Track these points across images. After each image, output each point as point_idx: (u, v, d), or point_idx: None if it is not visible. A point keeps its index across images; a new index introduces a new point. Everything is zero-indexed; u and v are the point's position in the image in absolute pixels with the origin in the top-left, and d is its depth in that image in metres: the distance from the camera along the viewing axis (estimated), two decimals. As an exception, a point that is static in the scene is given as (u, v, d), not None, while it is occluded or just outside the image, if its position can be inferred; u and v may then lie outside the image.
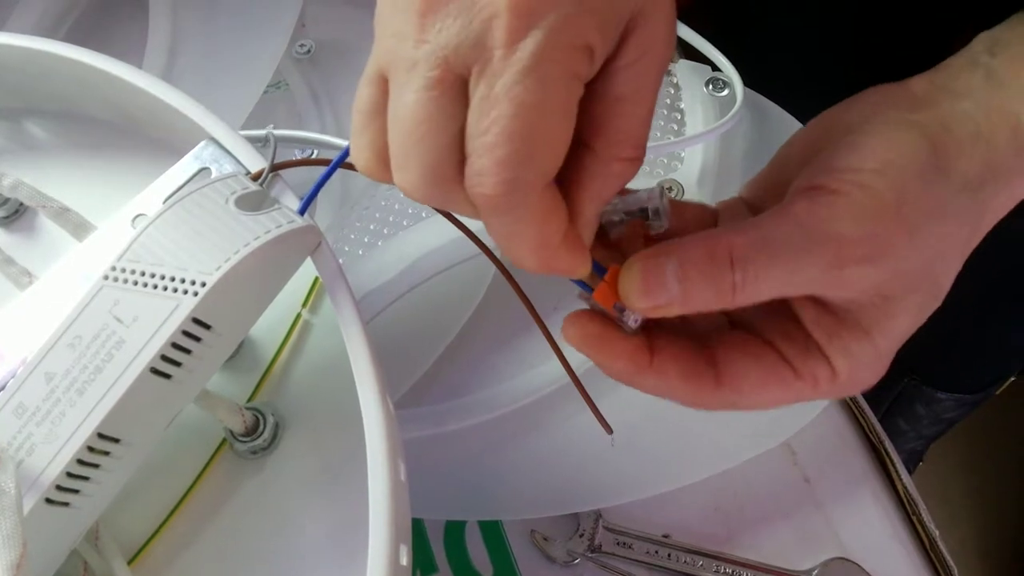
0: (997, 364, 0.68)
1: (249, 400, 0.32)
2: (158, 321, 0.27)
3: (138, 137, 0.38)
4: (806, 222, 0.24)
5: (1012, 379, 0.69)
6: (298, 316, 0.34)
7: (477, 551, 0.39)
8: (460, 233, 0.43)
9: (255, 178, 0.31)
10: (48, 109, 0.40)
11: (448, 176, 0.23)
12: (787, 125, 0.45)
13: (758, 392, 0.26)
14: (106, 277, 0.28)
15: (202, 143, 0.32)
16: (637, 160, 0.25)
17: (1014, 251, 0.51)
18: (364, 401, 0.27)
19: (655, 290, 0.25)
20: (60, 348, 0.27)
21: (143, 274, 0.28)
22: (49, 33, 0.49)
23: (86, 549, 0.29)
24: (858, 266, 0.24)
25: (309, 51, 0.50)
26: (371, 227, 0.43)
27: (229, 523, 0.31)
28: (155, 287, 0.28)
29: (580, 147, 0.25)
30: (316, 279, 0.35)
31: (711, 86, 0.45)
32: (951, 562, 0.36)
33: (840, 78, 0.34)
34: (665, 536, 0.38)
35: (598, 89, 0.24)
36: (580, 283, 0.27)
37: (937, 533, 0.37)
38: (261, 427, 0.31)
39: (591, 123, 0.24)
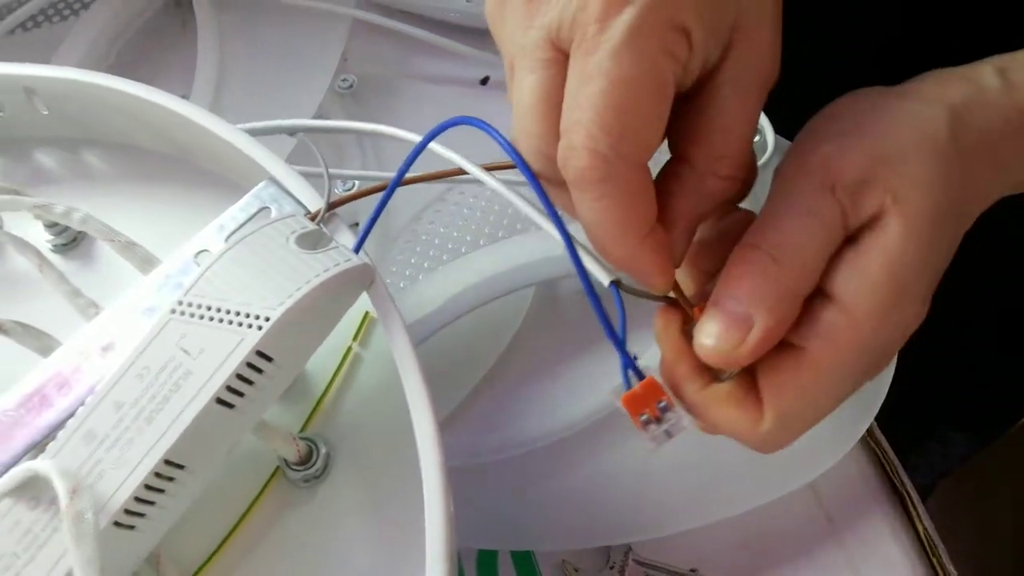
0: (1010, 404, 0.69)
1: (301, 430, 0.34)
2: (224, 353, 0.28)
3: (191, 169, 0.40)
4: None
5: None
6: (348, 349, 0.35)
7: (509, 580, 0.40)
8: (496, 270, 0.45)
9: (312, 218, 0.33)
10: (104, 140, 0.41)
11: (551, 155, 0.24)
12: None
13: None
14: (173, 311, 0.29)
15: (263, 183, 0.34)
16: (735, 180, 0.26)
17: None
18: (420, 435, 0.29)
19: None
20: (129, 378, 0.29)
21: (209, 308, 0.29)
22: (97, 64, 0.51)
23: (146, 572, 0.30)
24: None
25: (351, 85, 0.51)
26: (412, 260, 0.44)
27: (280, 549, 0.32)
28: (220, 321, 0.29)
29: (679, 161, 0.25)
30: (366, 314, 0.36)
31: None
32: (971, 602, 0.37)
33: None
34: (693, 570, 0.39)
35: (701, 102, 0.25)
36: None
37: (955, 572, 0.38)
38: (314, 457, 0.32)
39: (691, 136, 0.25)
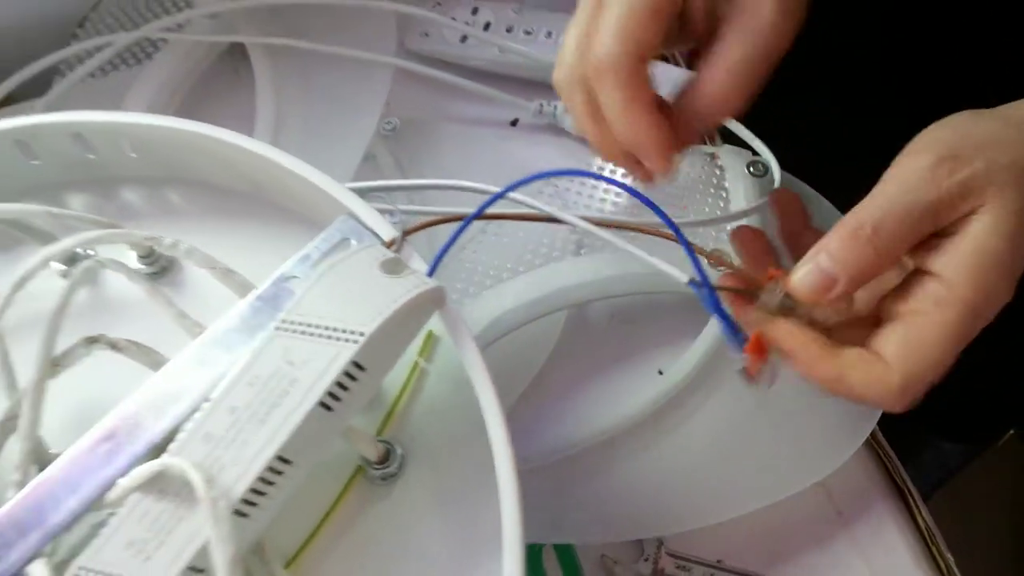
0: (999, 416, 0.74)
1: (378, 434, 0.38)
2: (326, 363, 0.33)
3: (265, 205, 0.44)
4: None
5: (1011, 432, 0.75)
6: (415, 364, 0.40)
7: (553, 572, 0.44)
8: (532, 296, 0.50)
9: (389, 246, 0.37)
10: (185, 179, 0.46)
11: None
12: (817, 204, 0.52)
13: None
14: (278, 328, 0.34)
15: (343, 217, 0.39)
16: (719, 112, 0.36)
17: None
18: (494, 438, 0.33)
19: (823, 282, 0.32)
20: (241, 386, 0.33)
21: (309, 325, 0.34)
22: (163, 109, 0.56)
23: (249, 558, 0.34)
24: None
25: (394, 128, 0.56)
26: (458, 286, 0.49)
27: (364, 539, 0.36)
28: (320, 336, 0.33)
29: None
30: (429, 332, 0.40)
31: (752, 168, 0.52)
32: (967, 586, 0.42)
33: (866, 162, 0.41)
34: (719, 561, 0.44)
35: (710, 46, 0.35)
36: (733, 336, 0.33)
37: (952, 559, 0.43)
38: (391, 457, 0.37)
39: (701, 66, 0.35)
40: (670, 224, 0.36)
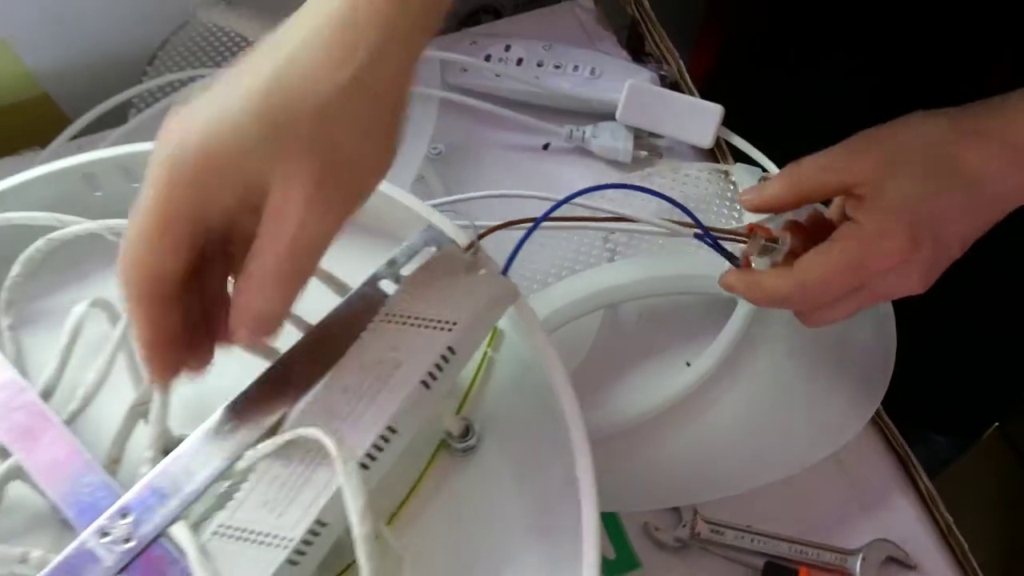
0: (988, 407, 0.81)
1: (458, 412, 0.44)
2: (426, 348, 0.39)
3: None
4: None
5: (996, 424, 0.82)
6: (485, 354, 0.46)
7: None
8: (577, 296, 0.56)
9: (466, 249, 0.44)
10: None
11: None
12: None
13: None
14: (381, 320, 0.40)
15: (426, 226, 0.45)
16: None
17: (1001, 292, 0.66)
18: (567, 410, 0.39)
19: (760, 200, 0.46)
20: (351, 369, 0.39)
21: (409, 317, 0.40)
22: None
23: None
24: None
25: (440, 152, 0.63)
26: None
27: (449, 503, 0.42)
28: (419, 326, 0.40)
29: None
30: (496, 328, 0.46)
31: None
32: (963, 540, 0.48)
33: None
34: (748, 525, 0.50)
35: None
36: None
37: (951, 519, 0.49)
38: (470, 432, 0.43)
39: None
40: (697, 222, 0.43)
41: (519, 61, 0.66)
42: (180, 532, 0.36)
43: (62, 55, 0.68)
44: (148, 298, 0.34)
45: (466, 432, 0.43)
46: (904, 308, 0.51)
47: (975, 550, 0.49)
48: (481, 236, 0.44)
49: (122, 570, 0.35)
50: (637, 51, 0.72)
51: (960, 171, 0.41)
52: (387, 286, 0.43)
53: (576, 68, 0.66)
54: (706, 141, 0.63)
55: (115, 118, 0.64)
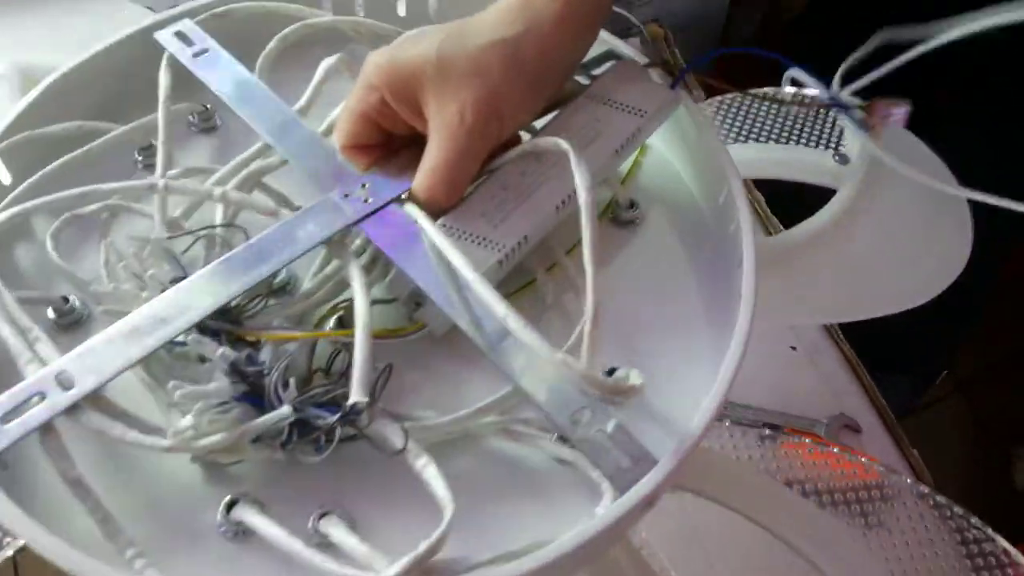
0: (936, 356, 0.93)
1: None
2: (623, 125, 0.49)
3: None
4: None
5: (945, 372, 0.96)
6: (640, 151, 0.56)
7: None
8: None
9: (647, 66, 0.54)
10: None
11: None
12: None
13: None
14: (586, 96, 0.51)
15: (609, 52, 0.55)
16: None
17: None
18: (734, 189, 0.49)
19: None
20: (561, 131, 0.50)
21: (609, 100, 0.50)
22: None
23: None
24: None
25: None
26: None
27: (617, 270, 0.50)
28: (616, 108, 0.50)
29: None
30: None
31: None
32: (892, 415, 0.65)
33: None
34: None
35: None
36: None
37: (886, 403, 0.66)
38: (636, 205, 0.54)
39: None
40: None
41: None
42: (411, 208, 0.45)
43: None
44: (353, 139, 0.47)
45: (632, 204, 0.53)
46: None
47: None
48: (651, 64, 0.55)
49: (360, 220, 0.44)
50: None
51: None
52: (581, 80, 0.53)
53: None
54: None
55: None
